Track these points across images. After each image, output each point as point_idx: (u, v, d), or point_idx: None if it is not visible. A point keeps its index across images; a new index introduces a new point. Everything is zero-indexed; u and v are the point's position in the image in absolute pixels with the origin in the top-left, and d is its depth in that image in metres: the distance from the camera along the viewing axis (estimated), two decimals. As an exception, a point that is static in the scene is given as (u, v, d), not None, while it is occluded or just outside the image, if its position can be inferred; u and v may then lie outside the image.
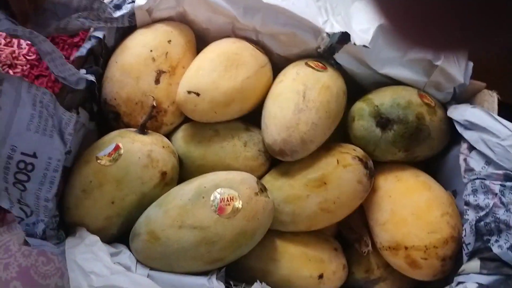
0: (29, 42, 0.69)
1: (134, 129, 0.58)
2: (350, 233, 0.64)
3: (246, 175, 0.55)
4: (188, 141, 0.61)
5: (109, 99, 0.61)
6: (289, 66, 0.63)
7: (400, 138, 0.58)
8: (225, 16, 0.63)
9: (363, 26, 0.60)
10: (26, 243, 0.52)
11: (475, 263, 0.50)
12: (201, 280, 0.50)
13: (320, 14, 0.61)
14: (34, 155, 0.49)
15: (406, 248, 0.55)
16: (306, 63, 0.61)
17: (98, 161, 0.54)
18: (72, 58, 0.57)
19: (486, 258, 0.50)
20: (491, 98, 0.62)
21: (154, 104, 0.57)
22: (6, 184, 0.48)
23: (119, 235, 0.56)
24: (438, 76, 0.61)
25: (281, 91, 0.60)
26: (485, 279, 0.48)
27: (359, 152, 0.60)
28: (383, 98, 0.60)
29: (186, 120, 0.64)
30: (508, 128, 0.53)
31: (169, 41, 0.62)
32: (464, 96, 0.64)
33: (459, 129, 0.58)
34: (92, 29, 0.62)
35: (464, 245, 0.53)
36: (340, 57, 0.62)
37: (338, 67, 0.63)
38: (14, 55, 0.74)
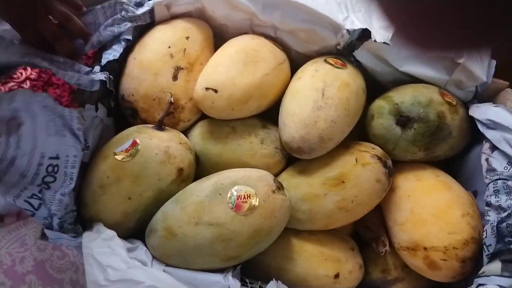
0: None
1: (152, 125, 0.58)
2: (367, 232, 0.63)
3: (263, 173, 0.54)
4: (205, 138, 0.61)
5: (127, 95, 0.61)
6: (308, 63, 0.63)
7: (420, 137, 0.57)
8: (243, 12, 0.62)
9: (384, 23, 0.60)
10: (42, 237, 0.52)
11: (496, 265, 0.49)
12: (217, 277, 0.50)
13: (340, 11, 0.60)
14: (57, 157, 0.51)
15: (425, 248, 0.55)
16: (325, 60, 0.61)
17: (116, 156, 0.54)
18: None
19: (508, 260, 0.49)
20: (515, 97, 0.61)
21: (172, 101, 0.57)
22: (31, 186, 0.50)
23: (135, 231, 0.56)
24: (460, 74, 0.60)
25: (300, 88, 0.59)
26: (506, 282, 0.48)
27: (378, 150, 0.59)
28: (404, 96, 0.59)
29: (203, 116, 0.63)
30: (532, 128, 0.52)
31: (187, 38, 0.62)
32: (486, 95, 0.62)
33: (481, 128, 0.57)
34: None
35: (484, 246, 0.52)
36: (360, 54, 0.62)
37: (358, 65, 0.63)
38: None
